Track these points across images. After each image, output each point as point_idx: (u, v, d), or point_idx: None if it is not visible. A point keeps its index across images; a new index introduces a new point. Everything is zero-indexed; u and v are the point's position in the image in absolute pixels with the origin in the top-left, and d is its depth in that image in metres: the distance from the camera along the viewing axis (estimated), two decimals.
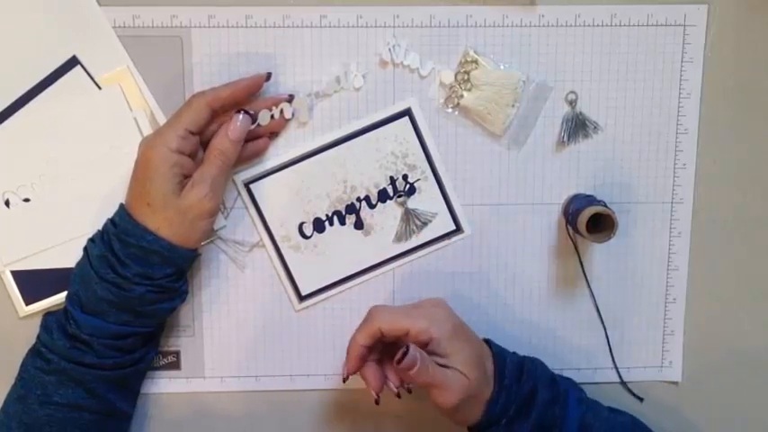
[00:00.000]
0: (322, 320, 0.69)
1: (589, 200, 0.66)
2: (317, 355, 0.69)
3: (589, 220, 0.62)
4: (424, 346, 0.59)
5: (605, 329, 0.70)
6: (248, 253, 0.67)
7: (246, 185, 0.66)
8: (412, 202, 0.67)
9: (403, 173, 0.67)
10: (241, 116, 0.61)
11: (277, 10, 0.64)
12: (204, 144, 0.63)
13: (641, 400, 0.71)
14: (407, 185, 0.67)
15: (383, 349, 0.62)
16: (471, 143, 0.67)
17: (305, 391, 0.69)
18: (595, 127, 0.67)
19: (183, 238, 0.60)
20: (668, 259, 0.70)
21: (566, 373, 0.68)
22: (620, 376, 0.70)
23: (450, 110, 0.66)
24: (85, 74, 0.64)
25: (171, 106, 0.64)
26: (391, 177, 0.67)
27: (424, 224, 0.67)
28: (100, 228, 0.62)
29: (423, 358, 0.58)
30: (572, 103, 0.67)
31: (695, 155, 0.68)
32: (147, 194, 0.59)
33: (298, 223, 0.67)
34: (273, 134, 0.66)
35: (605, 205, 0.63)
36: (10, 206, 0.65)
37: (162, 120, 0.65)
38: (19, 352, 0.62)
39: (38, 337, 0.62)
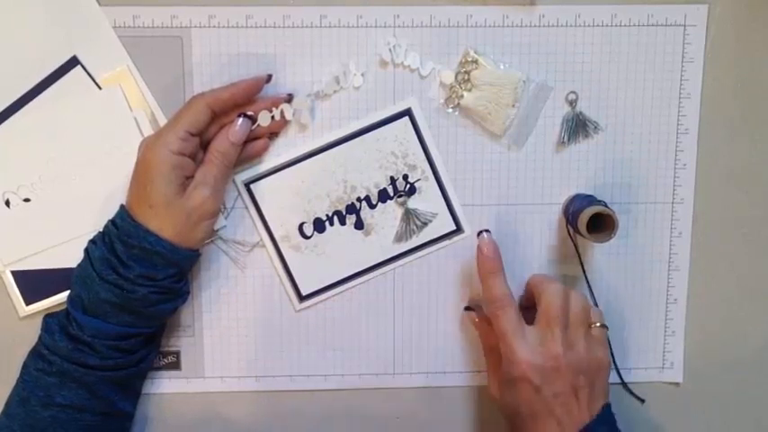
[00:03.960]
0: (322, 320, 0.69)
1: (589, 200, 0.66)
2: (317, 355, 0.69)
3: (589, 221, 0.62)
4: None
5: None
6: (248, 253, 0.67)
7: (246, 185, 0.66)
8: (412, 202, 0.67)
9: (403, 173, 0.67)
10: (241, 120, 0.62)
11: (277, 10, 0.64)
12: (204, 145, 0.63)
13: (642, 401, 0.71)
14: (407, 185, 0.67)
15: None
16: (471, 143, 0.67)
17: (305, 392, 0.69)
18: (595, 127, 0.67)
19: (184, 238, 0.60)
20: (669, 259, 0.69)
21: None
22: (620, 377, 0.70)
23: (450, 110, 0.66)
24: (85, 74, 0.64)
25: (171, 106, 0.64)
26: (391, 177, 0.67)
27: (424, 224, 0.67)
28: (100, 228, 0.62)
29: (501, 263, 0.63)
30: (572, 103, 0.67)
31: (695, 155, 0.68)
32: (148, 196, 0.59)
33: (298, 223, 0.67)
34: (273, 134, 0.66)
35: (605, 205, 0.63)
36: (10, 206, 0.65)
37: (162, 120, 0.65)
38: (19, 352, 0.62)
39: (39, 338, 0.62)
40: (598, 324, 0.63)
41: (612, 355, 0.70)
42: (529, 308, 0.65)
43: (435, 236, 0.68)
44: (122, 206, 0.61)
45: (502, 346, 0.62)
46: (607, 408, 0.62)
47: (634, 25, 0.66)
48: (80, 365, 0.60)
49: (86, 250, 0.61)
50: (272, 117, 0.63)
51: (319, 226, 0.67)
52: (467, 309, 0.68)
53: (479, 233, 0.65)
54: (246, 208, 0.67)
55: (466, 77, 0.65)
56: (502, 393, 0.63)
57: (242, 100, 0.62)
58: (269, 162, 0.66)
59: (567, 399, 0.60)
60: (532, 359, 0.60)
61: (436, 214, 0.67)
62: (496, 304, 0.63)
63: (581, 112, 0.67)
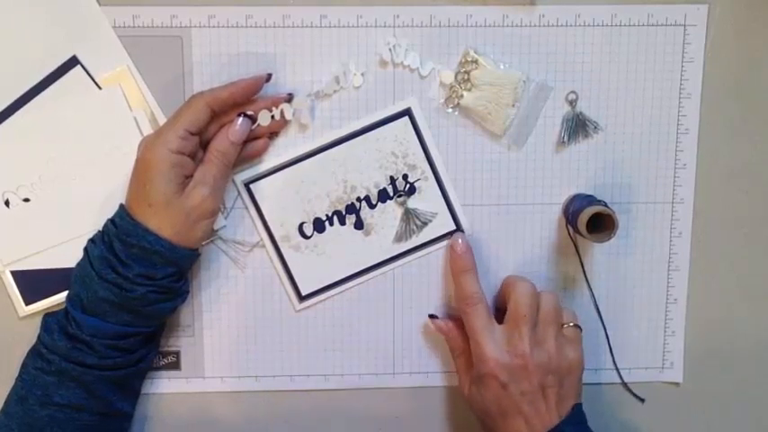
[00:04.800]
0: (322, 320, 0.69)
1: (589, 200, 0.66)
2: (317, 355, 0.69)
3: (589, 220, 0.62)
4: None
5: (605, 329, 0.70)
6: (248, 253, 0.67)
7: (246, 185, 0.66)
8: (412, 202, 0.67)
9: (403, 173, 0.67)
10: (241, 119, 0.62)
11: (277, 10, 0.64)
12: (204, 144, 0.63)
13: (643, 401, 0.71)
14: (407, 185, 0.67)
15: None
16: (471, 143, 0.67)
17: (305, 392, 0.69)
18: (595, 127, 0.67)
19: (184, 238, 0.60)
20: (669, 259, 0.69)
21: None
22: (620, 377, 0.70)
23: (450, 110, 0.66)
24: (85, 74, 0.64)
25: (171, 106, 0.64)
26: (391, 177, 0.67)
27: (424, 224, 0.67)
28: (100, 228, 0.62)
29: (473, 262, 0.65)
30: (572, 103, 0.67)
31: (695, 155, 0.68)
32: (147, 195, 0.59)
33: (298, 223, 0.67)
34: (273, 134, 0.66)
35: (605, 205, 0.63)
36: (10, 206, 0.65)
37: (162, 120, 0.65)
38: (19, 352, 0.62)
39: (38, 337, 0.62)
40: (571, 324, 0.64)
41: (612, 354, 0.70)
42: (504, 310, 0.65)
43: (435, 236, 0.68)
44: (122, 205, 0.61)
45: (472, 343, 0.63)
46: (577, 408, 0.62)
47: (634, 25, 0.66)
48: (78, 364, 0.59)
49: (86, 249, 0.61)
50: (272, 117, 0.63)
51: (319, 226, 0.67)
52: (431, 316, 0.68)
53: (452, 233, 0.67)
54: (246, 208, 0.67)
55: (466, 77, 0.65)
56: (471, 392, 0.64)
57: (241, 99, 0.62)
58: (269, 162, 0.66)
59: (535, 397, 0.60)
60: (500, 357, 0.61)
61: (436, 214, 0.67)
62: (467, 301, 0.63)
63: (581, 112, 0.67)
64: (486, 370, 0.61)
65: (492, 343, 0.62)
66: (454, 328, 0.66)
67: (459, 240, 0.66)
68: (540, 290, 0.65)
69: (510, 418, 0.61)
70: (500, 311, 0.65)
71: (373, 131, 0.66)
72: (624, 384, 0.71)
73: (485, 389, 0.62)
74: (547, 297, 0.64)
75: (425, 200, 0.67)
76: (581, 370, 0.63)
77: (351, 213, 0.67)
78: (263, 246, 0.67)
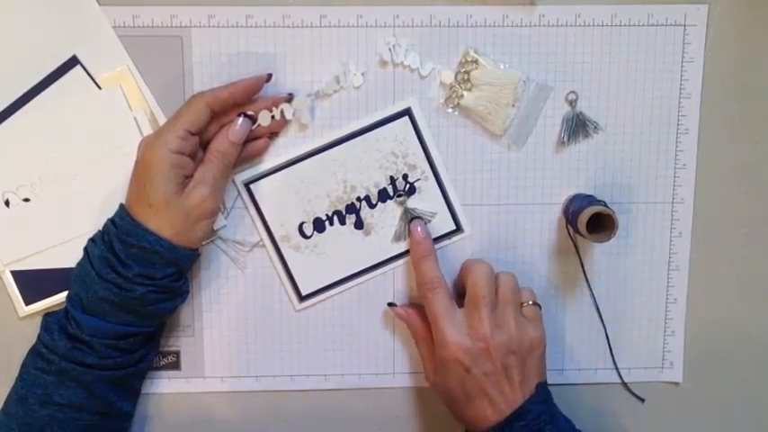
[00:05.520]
0: (322, 320, 0.69)
1: (589, 200, 0.66)
2: (317, 355, 0.69)
3: (589, 220, 0.62)
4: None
5: (605, 329, 0.70)
6: (248, 253, 0.67)
7: (246, 185, 0.66)
8: (412, 202, 0.67)
9: (403, 173, 0.67)
10: (241, 119, 0.62)
11: (277, 10, 0.64)
12: (204, 144, 0.63)
13: (642, 401, 0.71)
14: (407, 185, 0.67)
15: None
16: (471, 143, 0.67)
17: (305, 391, 0.69)
18: (595, 127, 0.67)
19: (183, 238, 0.60)
20: (669, 259, 0.69)
21: (565, 374, 0.69)
22: (620, 377, 0.70)
23: (450, 110, 0.66)
24: (85, 74, 0.64)
25: (171, 106, 0.64)
26: (391, 177, 0.67)
27: (424, 224, 0.67)
28: (100, 228, 0.62)
29: (433, 248, 0.65)
30: (572, 103, 0.67)
31: (695, 155, 0.68)
32: (147, 195, 0.59)
33: (298, 223, 0.67)
34: (273, 134, 0.66)
35: (605, 205, 0.63)
36: (10, 206, 0.65)
37: (162, 120, 0.65)
38: (19, 352, 0.62)
39: (38, 337, 0.62)
40: (530, 302, 0.64)
41: (612, 354, 0.70)
42: (464, 293, 0.65)
43: (435, 235, 0.68)
44: (122, 205, 0.61)
45: (433, 329, 0.63)
46: (541, 387, 0.62)
47: (634, 25, 0.66)
48: (78, 364, 0.60)
49: (86, 249, 0.61)
50: (272, 117, 0.63)
51: (319, 226, 0.67)
52: (390, 304, 0.68)
53: (410, 220, 0.67)
54: (246, 208, 0.67)
55: (466, 77, 0.65)
56: (436, 378, 0.64)
57: (241, 99, 0.62)
58: (269, 162, 0.66)
59: (498, 378, 0.60)
60: (461, 341, 0.61)
61: (436, 214, 0.67)
62: (427, 286, 0.64)
63: (581, 112, 0.67)
64: (447, 355, 0.61)
65: (453, 327, 0.62)
66: (414, 314, 0.66)
67: (419, 228, 0.66)
68: (498, 271, 0.65)
69: (475, 400, 0.61)
70: (461, 296, 0.65)
71: (373, 131, 0.66)
72: (624, 384, 0.71)
73: (448, 373, 0.62)
74: (504, 278, 0.64)
75: (425, 200, 0.67)
76: (543, 347, 0.63)
77: (351, 213, 0.67)
78: (263, 246, 0.67)
